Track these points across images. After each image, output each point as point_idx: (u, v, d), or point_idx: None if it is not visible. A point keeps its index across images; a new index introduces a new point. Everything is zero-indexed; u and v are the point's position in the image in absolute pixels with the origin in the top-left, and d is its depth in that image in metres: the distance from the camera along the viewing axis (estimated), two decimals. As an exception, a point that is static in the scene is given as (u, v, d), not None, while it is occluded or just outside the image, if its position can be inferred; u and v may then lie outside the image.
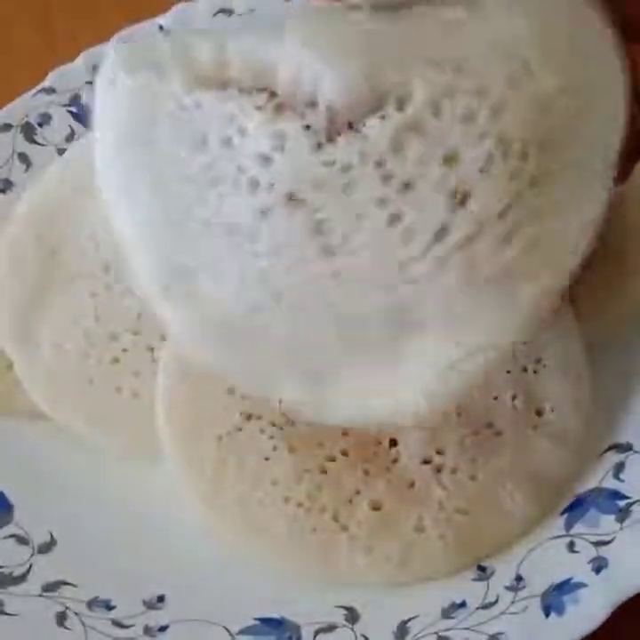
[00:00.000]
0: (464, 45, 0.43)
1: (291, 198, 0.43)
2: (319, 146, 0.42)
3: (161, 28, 0.64)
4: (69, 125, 0.62)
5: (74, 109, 0.62)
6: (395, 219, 0.43)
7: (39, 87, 0.62)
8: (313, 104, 0.42)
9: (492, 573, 0.47)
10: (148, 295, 0.47)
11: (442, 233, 0.42)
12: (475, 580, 0.47)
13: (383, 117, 0.42)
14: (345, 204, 0.43)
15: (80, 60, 0.63)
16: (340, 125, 0.42)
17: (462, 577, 0.48)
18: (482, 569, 0.48)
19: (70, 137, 0.62)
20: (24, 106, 0.62)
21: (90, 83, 0.63)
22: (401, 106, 0.42)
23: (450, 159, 0.42)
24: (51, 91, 0.62)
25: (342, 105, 0.41)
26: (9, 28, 0.70)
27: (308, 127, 0.42)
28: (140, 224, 0.47)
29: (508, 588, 0.46)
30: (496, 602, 0.46)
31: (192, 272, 0.46)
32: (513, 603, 0.45)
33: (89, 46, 0.64)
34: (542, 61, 0.43)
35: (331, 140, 0.42)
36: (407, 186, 0.42)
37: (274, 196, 0.43)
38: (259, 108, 0.43)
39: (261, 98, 0.43)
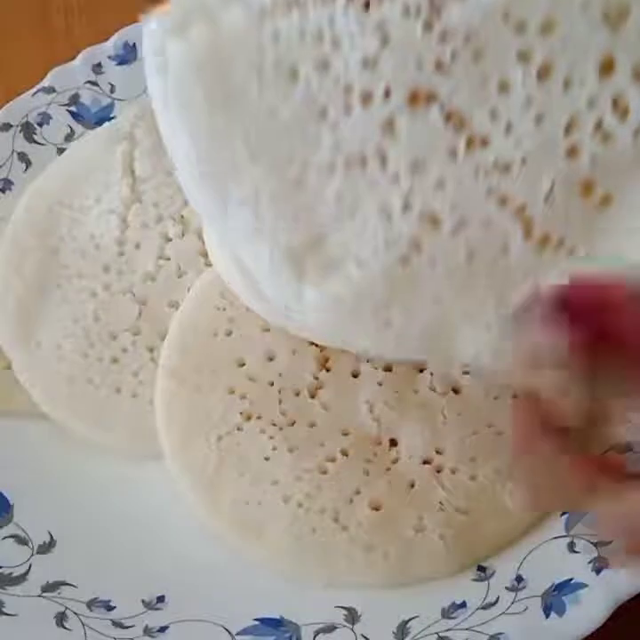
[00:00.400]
0: None
1: (414, 97, 0.36)
2: (428, 24, 0.36)
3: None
4: (69, 125, 0.62)
5: (73, 109, 0.62)
6: (545, 71, 0.36)
7: (38, 86, 0.62)
8: None
9: (493, 574, 0.47)
10: (274, 287, 0.41)
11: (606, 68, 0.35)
12: (475, 580, 0.47)
13: None
14: (479, 76, 0.36)
15: (79, 60, 0.63)
16: None
17: (462, 577, 0.48)
18: (482, 569, 0.48)
19: (70, 136, 0.62)
20: (23, 105, 0.62)
21: (89, 82, 0.63)
22: None
23: None
24: (50, 90, 0.62)
25: None
26: (8, 27, 0.70)
27: (407, 9, 0.36)
28: (246, 205, 0.39)
29: (509, 589, 0.46)
30: (496, 602, 0.46)
31: (324, 237, 0.39)
32: (513, 603, 0.45)
33: (88, 45, 0.64)
34: None
35: (437, 12, 0.36)
36: (546, 27, 0.35)
37: (394, 102, 0.37)
38: (347, 4, 0.36)
39: None
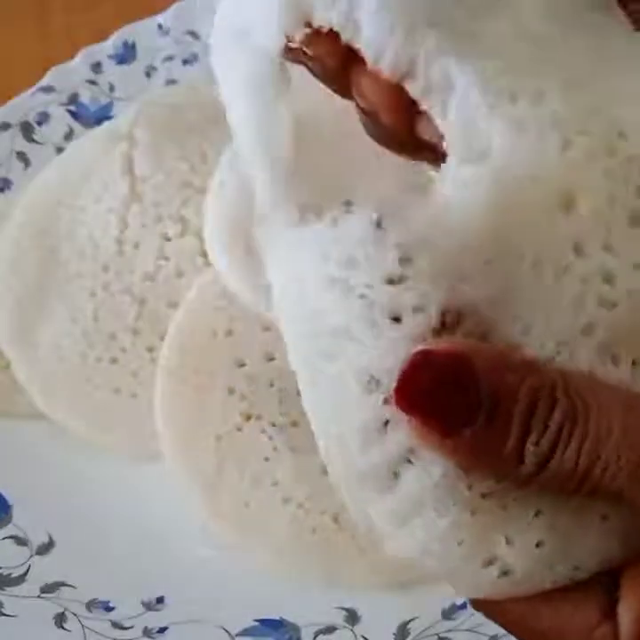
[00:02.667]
0: None
1: None
2: None
3: (160, 26, 0.64)
4: (68, 124, 0.62)
5: (72, 108, 0.62)
6: None
7: (37, 86, 0.62)
8: None
9: (493, 574, 0.47)
10: None
11: None
12: (475, 580, 0.47)
13: None
14: None
15: (78, 59, 0.63)
16: None
17: (463, 578, 0.47)
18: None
19: (69, 136, 0.62)
20: (23, 105, 0.62)
21: (88, 81, 0.63)
22: None
23: None
24: (49, 89, 0.62)
25: None
26: (7, 26, 0.70)
27: None
28: None
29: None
30: (497, 603, 0.46)
31: None
32: (514, 604, 0.45)
33: (87, 44, 0.64)
34: None
35: None
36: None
37: None
38: None
39: None
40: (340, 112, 0.32)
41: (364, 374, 0.28)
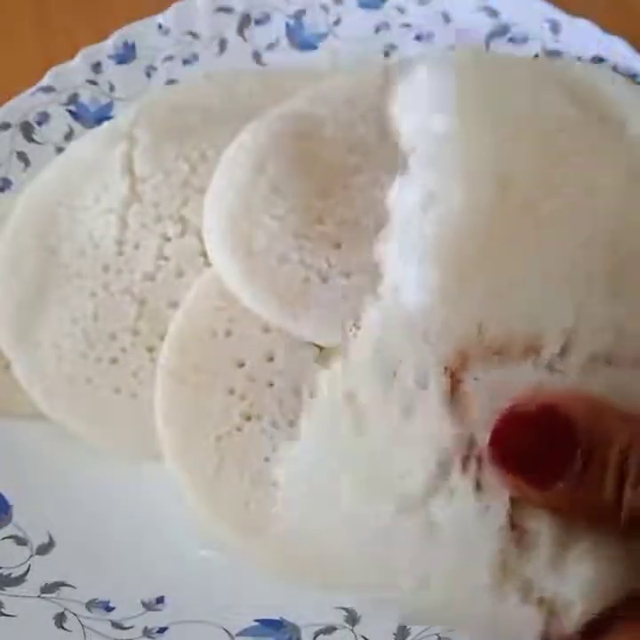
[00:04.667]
0: None
1: None
2: None
3: (160, 26, 0.64)
4: (68, 124, 0.62)
5: (72, 108, 0.62)
6: None
7: (37, 86, 0.62)
8: None
9: (493, 574, 0.47)
10: None
11: None
12: (475, 580, 0.47)
13: None
14: None
15: (78, 59, 0.63)
16: None
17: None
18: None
19: (69, 136, 0.62)
20: (22, 104, 0.62)
21: (88, 81, 0.63)
22: None
23: None
24: (49, 89, 0.62)
25: None
26: (6, 26, 0.70)
27: None
28: None
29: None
30: (497, 603, 0.46)
31: None
32: (514, 604, 0.45)
33: (87, 44, 0.64)
34: None
35: None
36: None
37: None
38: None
39: None
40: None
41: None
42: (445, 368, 0.30)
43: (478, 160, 0.34)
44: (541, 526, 0.29)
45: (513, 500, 0.29)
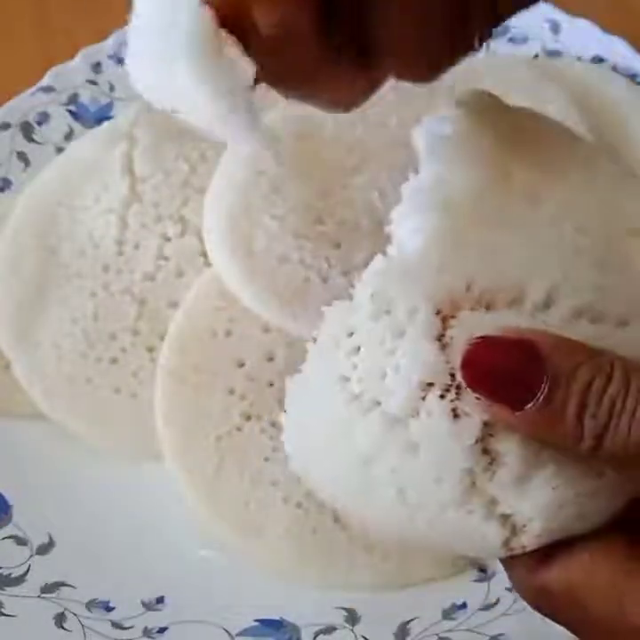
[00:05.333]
0: None
1: None
2: None
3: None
4: (68, 124, 0.62)
5: (72, 108, 0.62)
6: None
7: (37, 86, 0.62)
8: None
9: (493, 575, 0.47)
10: None
11: None
12: (475, 581, 0.47)
13: None
14: None
15: (78, 59, 0.63)
16: None
17: (463, 578, 0.47)
18: (482, 570, 0.47)
19: (69, 136, 0.62)
20: (22, 105, 0.62)
21: (88, 81, 0.63)
22: None
23: None
24: (49, 89, 0.62)
25: None
26: (6, 26, 0.70)
27: None
28: None
29: (509, 589, 0.46)
30: (497, 603, 0.46)
31: None
32: (514, 603, 0.45)
33: (87, 44, 0.64)
34: None
35: None
36: None
37: None
38: None
39: None
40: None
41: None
42: (437, 311, 0.33)
43: (482, 153, 0.36)
44: (511, 448, 0.32)
45: (486, 425, 0.31)
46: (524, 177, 0.36)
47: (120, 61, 0.63)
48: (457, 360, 0.31)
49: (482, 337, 0.31)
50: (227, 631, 0.47)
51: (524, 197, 0.36)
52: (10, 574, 0.49)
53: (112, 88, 0.63)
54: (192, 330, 0.52)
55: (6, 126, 0.61)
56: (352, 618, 0.47)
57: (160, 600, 0.49)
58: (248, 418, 0.50)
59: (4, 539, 0.51)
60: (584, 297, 0.33)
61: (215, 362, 0.51)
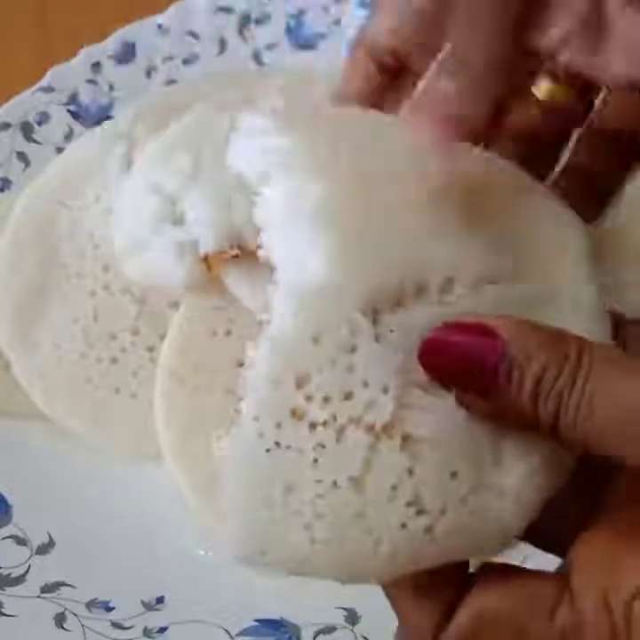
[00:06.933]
0: None
1: None
2: None
3: (160, 26, 0.64)
4: (68, 124, 0.62)
5: (72, 108, 0.62)
6: None
7: (37, 86, 0.62)
8: None
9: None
10: None
11: None
12: (475, 580, 0.47)
13: None
14: None
15: (78, 59, 0.63)
16: None
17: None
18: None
19: (69, 136, 0.62)
20: (22, 105, 0.62)
21: (88, 81, 0.63)
22: None
23: None
24: (49, 89, 0.62)
25: None
26: (6, 26, 0.70)
27: None
28: None
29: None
30: (497, 603, 0.46)
31: None
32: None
33: (87, 44, 0.64)
34: None
35: None
36: None
37: None
38: None
39: None
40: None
41: None
42: (364, 319, 0.33)
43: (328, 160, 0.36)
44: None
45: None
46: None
47: (120, 61, 0.63)
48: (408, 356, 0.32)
49: (443, 325, 0.32)
50: (226, 631, 0.47)
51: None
52: (10, 574, 0.49)
53: (112, 88, 0.63)
54: (192, 330, 0.52)
55: (6, 126, 0.61)
56: (352, 618, 0.47)
57: (160, 600, 0.49)
58: (248, 418, 0.50)
59: (3, 539, 0.51)
60: (481, 264, 0.34)
61: (215, 362, 0.51)
